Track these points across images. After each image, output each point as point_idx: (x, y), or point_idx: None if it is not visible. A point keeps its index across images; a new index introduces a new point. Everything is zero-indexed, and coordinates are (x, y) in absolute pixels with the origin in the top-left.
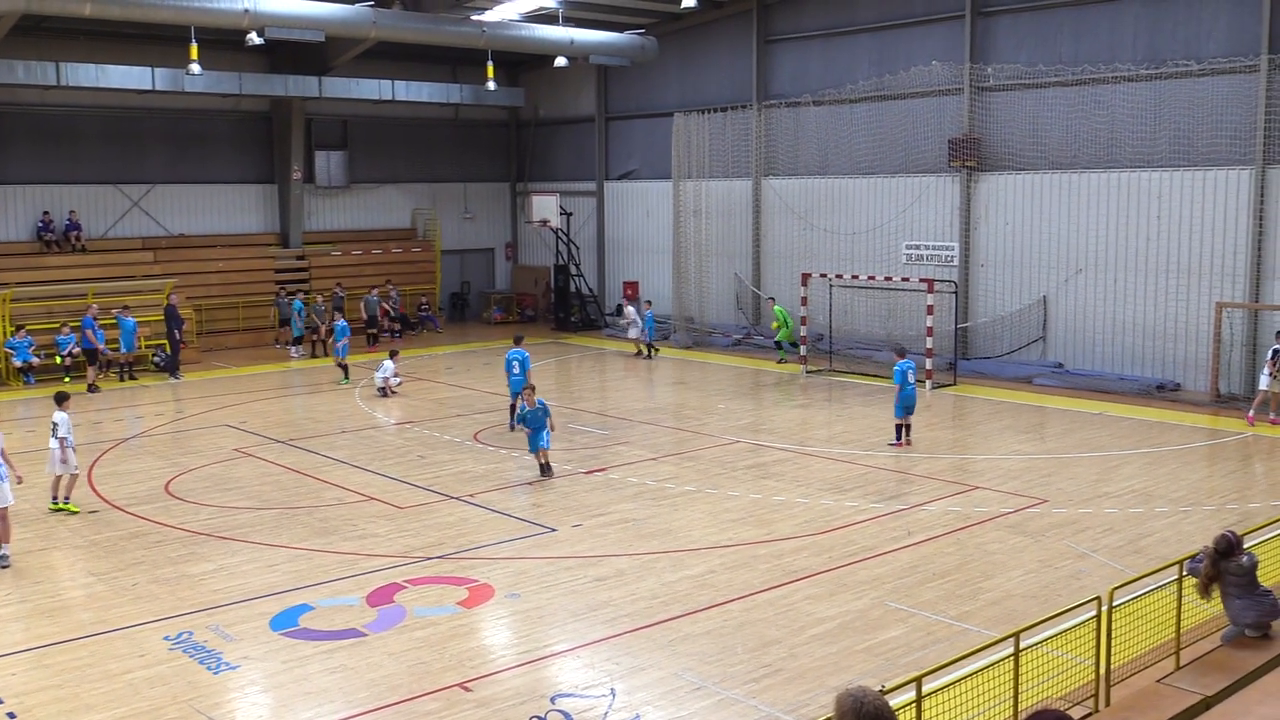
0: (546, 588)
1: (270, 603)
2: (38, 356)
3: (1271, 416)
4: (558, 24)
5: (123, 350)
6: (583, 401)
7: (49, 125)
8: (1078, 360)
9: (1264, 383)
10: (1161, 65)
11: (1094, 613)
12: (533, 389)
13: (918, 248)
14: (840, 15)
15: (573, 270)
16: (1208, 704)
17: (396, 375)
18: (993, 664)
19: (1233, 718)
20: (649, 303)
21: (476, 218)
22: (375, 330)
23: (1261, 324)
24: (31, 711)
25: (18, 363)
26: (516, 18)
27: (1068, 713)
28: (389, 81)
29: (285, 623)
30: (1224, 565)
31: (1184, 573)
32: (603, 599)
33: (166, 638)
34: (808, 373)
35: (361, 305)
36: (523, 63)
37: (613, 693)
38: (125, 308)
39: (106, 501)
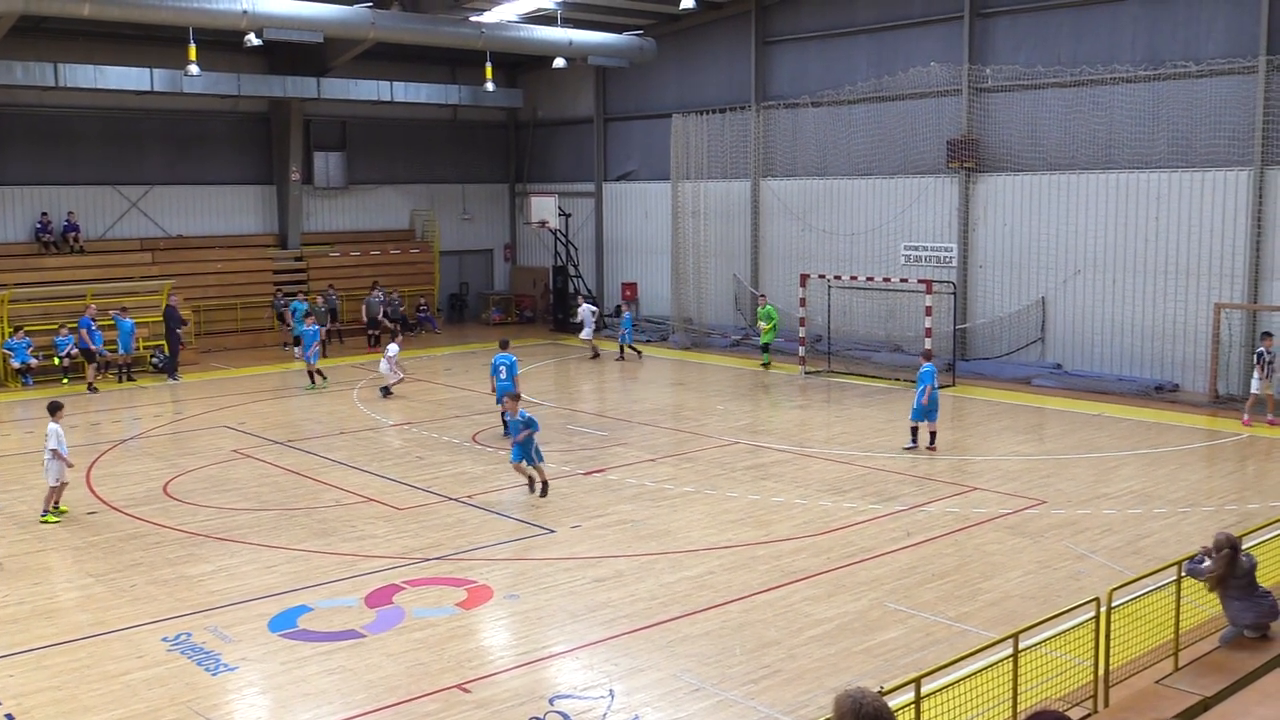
0: (545, 589)
1: (269, 604)
2: (36, 358)
3: (1269, 417)
4: (556, 25)
5: (121, 351)
6: (581, 402)
7: (47, 126)
8: (1076, 361)
9: (1255, 385)
10: (1160, 66)
11: (1093, 614)
12: (515, 398)
13: (916, 249)
14: (839, 16)
15: (571, 271)
16: (1206, 705)
17: (399, 367)
18: (992, 665)
19: (1231, 718)
20: (627, 305)
21: (475, 219)
22: (377, 331)
23: (1260, 325)
24: (30, 713)
25: (16, 364)
26: (515, 19)
27: (1067, 714)
28: (387, 82)
29: (284, 624)
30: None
31: (1183, 574)
32: (601, 600)
33: (165, 639)
34: (806, 374)
35: (363, 307)
36: (521, 64)
37: (611, 694)
38: (123, 309)
39: (105, 503)
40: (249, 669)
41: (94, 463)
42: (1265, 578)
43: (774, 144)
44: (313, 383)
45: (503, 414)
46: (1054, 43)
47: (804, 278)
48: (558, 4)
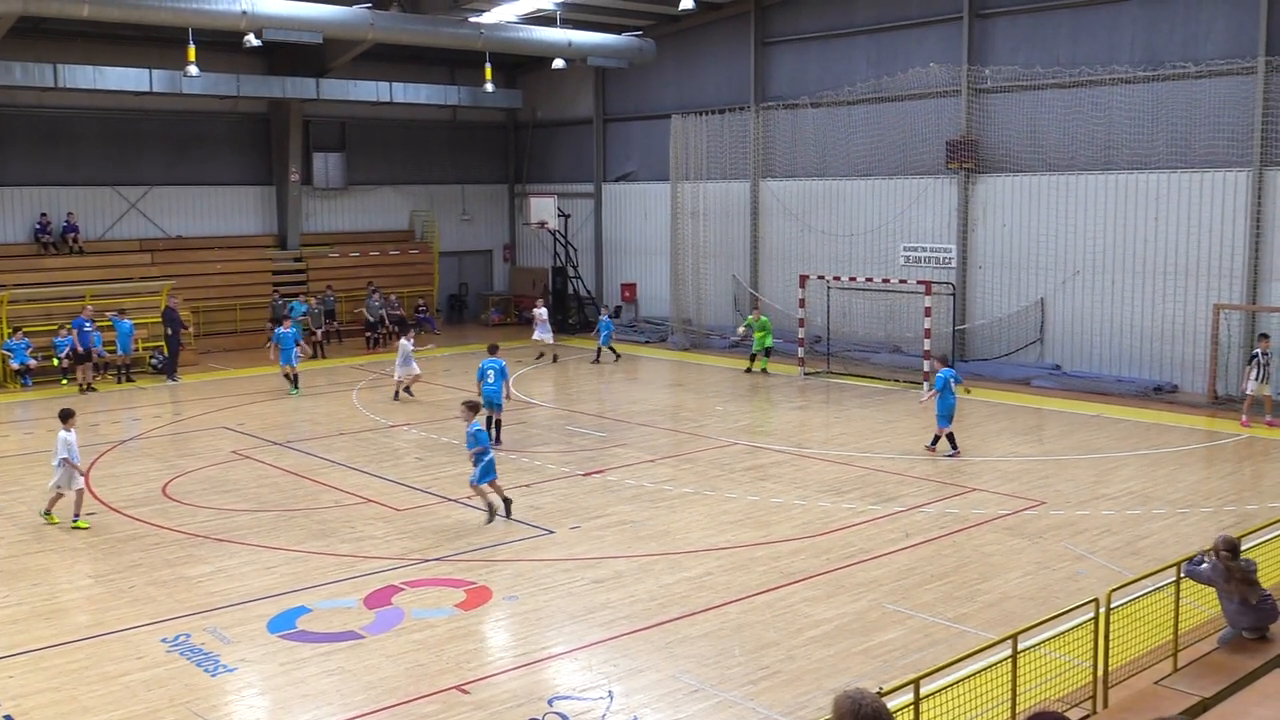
0: (544, 590)
1: (268, 605)
2: (35, 359)
3: (1268, 418)
4: (555, 26)
5: (119, 352)
6: (580, 403)
7: (46, 127)
8: (1075, 362)
9: (1250, 387)
10: (1159, 67)
11: (1092, 614)
12: (473, 408)
13: (915, 249)
14: (838, 17)
15: (571, 272)
16: (1205, 706)
17: (411, 360)
18: (991, 666)
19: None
20: (607, 307)
21: (474, 219)
22: (375, 334)
23: (1259, 326)
24: (29, 714)
25: (15, 365)
26: (514, 20)
27: (1065, 714)
28: (387, 83)
29: (283, 625)
30: (1230, 565)
31: (1182, 575)
32: (600, 601)
33: (164, 640)
34: (805, 374)
35: (364, 309)
36: (521, 64)
37: (610, 695)
38: (121, 311)
39: (104, 504)
40: (248, 670)
41: (93, 464)
42: (1265, 578)
43: (773, 145)
44: (295, 387)
45: (493, 419)
46: (1053, 43)
47: (803, 278)
48: (557, 5)
